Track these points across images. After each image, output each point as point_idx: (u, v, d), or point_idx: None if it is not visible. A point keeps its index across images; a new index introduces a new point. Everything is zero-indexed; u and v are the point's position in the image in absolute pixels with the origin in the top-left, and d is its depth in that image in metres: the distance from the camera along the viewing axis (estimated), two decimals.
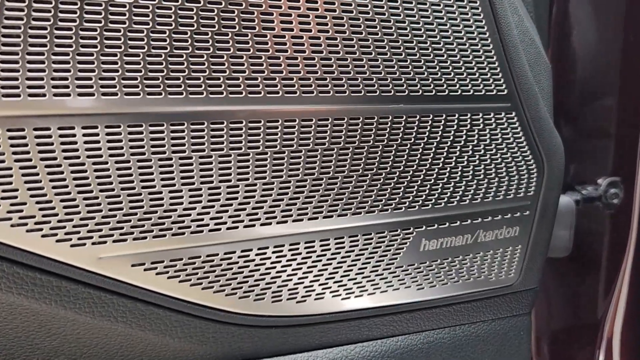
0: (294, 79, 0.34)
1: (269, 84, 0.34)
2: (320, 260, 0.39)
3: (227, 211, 0.35)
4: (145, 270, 0.34)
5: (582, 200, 0.67)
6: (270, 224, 0.36)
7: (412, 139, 0.39)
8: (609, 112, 0.72)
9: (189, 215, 0.34)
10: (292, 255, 0.38)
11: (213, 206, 0.34)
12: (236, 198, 0.35)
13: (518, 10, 0.47)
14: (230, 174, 0.34)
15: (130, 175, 0.32)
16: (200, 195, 0.34)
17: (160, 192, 0.33)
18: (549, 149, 0.47)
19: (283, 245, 0.37)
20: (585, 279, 0.78)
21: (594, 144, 0.74)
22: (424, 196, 0.41)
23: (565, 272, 0.78)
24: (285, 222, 0.37)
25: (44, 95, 0.29)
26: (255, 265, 0.37)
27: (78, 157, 0.30)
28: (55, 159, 0.30)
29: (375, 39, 0.36)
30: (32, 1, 0.28)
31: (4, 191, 0.29)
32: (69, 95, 0.29)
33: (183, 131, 0.32)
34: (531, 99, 0.44)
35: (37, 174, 0.29)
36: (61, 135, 0.29)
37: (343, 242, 0.40)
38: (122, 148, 0.31)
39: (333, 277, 0.40)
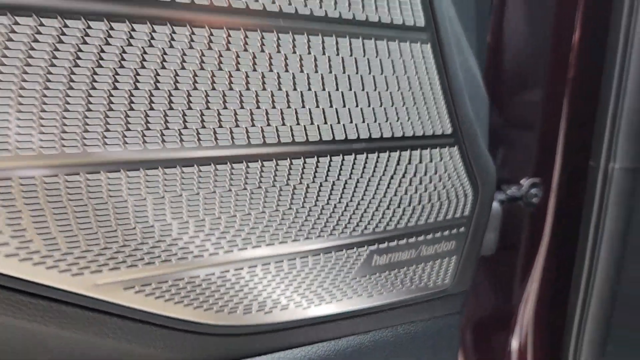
0: (273, 128, 0.39)
1: (250, 134, 0.38)
2: (287, 277, 0.44)
3: (209, 240, 0.39)
4: (135, 293, 0.38)
5: (507, 200, 0.76)
6: (246, 249, 0.41)
7: (371, 172, 0.45)
8: (534, 109, 0.81)
9: (176, 244, 0.38)
10: (264, 274, 0.43)
11: (198, 236, 0.39)
12: (218, 229, 0.39)
13: (463, 50, 0.53)
14: (214, 208, 0.38)
15: (127, 212, 0.35)
16: (187, 228, 0.38)
17: (152, 226, 0.37)
18: (484, 175, 0.54)
19: (256, 266, 0.42)
20: (505, 269, 0.88)
21: (519, 143, 0.83)
22: (378, 219, 0.47)
23: (487, 264, 0.87)
24: (259, 246, 0.42)
25: (55, 148, 0.32)
26: (232, 283, 0.42)
27: (81, 200, 0.33)
28: (61, 201, 0.33)
29: (345, 92, 0.41)
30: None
31: (14, 230, 0.32)
32: (78, 147, 0.32)
33: (175, 174, 0.36)
34: (471, 134, 0.50)
35: (44, 215, 0.33)
36: (67, 181, 0.33)
37: (307, 261, 0.45)
38: (120, 191, 0.34)
39: (297, 291, 0.46)
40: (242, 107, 0.37)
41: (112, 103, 0.33)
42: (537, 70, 0.80)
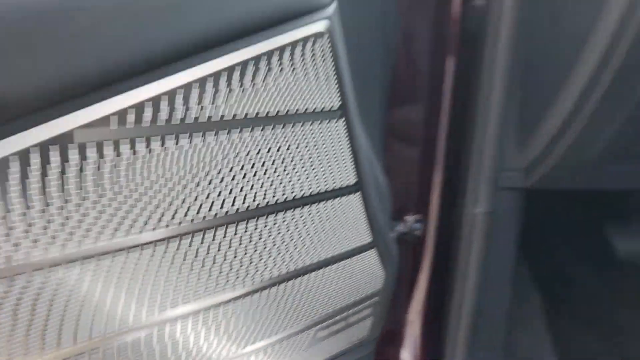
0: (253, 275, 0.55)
1: (235, 283, 0.54)
2: None
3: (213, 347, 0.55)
4: None
5: (397, 237, 0.96)
6: (237, 351, 0.58)
7: (319, 282, 0.63)
8: (414, 156, 1.01)
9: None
10: None
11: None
12: (217, 347, 0.56)
13: (373, 167, 0.72)
14: (210, 338, 0.55)
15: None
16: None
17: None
18: (390, 258, 0.74)
19: None
20: (394, 292, 1.10)
21: (402, 184, 1.03)
22: (322, 307, 0.66)
23: None
24: (246, 347, 0.59)
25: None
26: None
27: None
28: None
29: (298, 239, 0.59)
30: None
31: None
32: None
33: (198, 320, 0.52)
34: (383, 235, 0.70)
35: None
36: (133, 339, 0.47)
37: (275, 347, 0.63)
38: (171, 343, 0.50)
39: None
40: (238, 266, 0.53)
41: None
42: (417, 118, 0.99)
